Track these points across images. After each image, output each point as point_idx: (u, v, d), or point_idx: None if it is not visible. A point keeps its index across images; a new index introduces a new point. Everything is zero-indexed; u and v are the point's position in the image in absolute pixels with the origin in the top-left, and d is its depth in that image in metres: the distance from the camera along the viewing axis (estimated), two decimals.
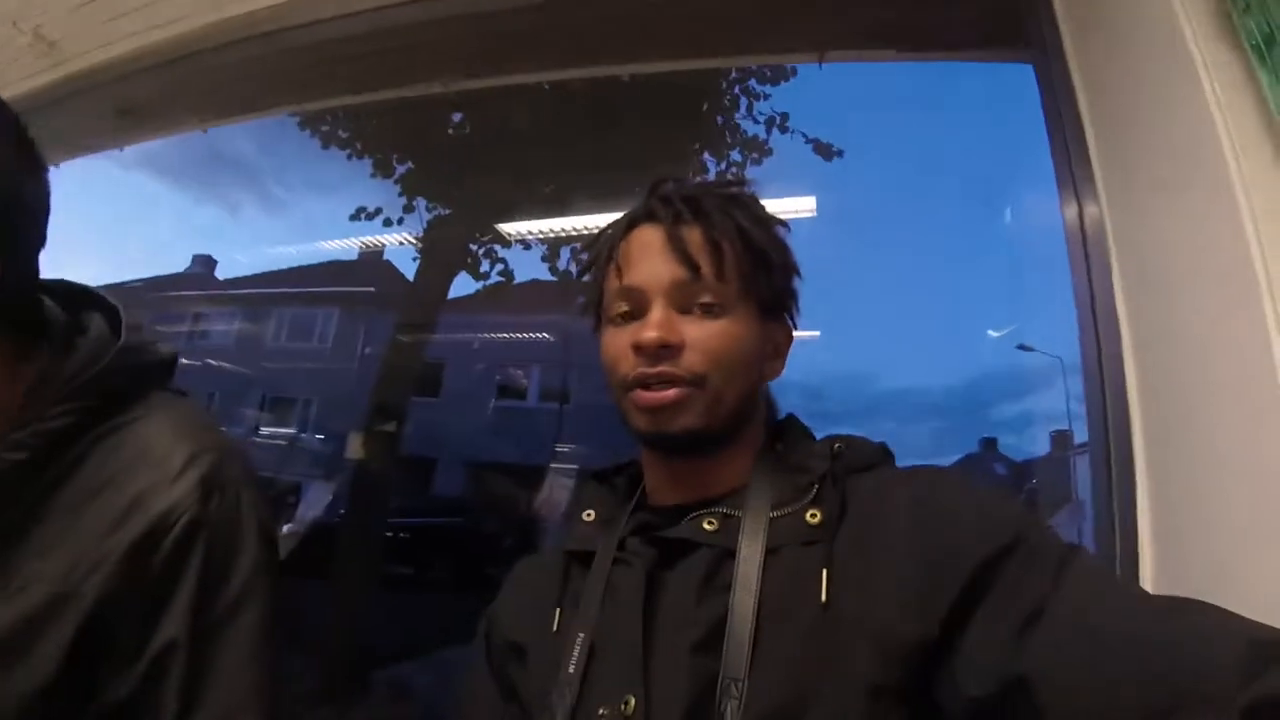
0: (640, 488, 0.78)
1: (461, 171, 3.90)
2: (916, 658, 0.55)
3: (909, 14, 1.47)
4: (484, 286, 4.46)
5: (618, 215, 0.77)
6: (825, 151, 3.68)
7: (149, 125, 2.35)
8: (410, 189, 4.26)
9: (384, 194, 4.32)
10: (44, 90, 2.09)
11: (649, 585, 0.65)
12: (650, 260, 0.70)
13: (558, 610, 0.71)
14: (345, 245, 5.40)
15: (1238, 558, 0.74)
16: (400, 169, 4.24)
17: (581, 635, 0.66)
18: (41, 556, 0.62)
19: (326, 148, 4.07)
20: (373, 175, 4.21)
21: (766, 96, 3.73)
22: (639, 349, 0.67)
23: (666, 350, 0.67)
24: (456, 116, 3.47)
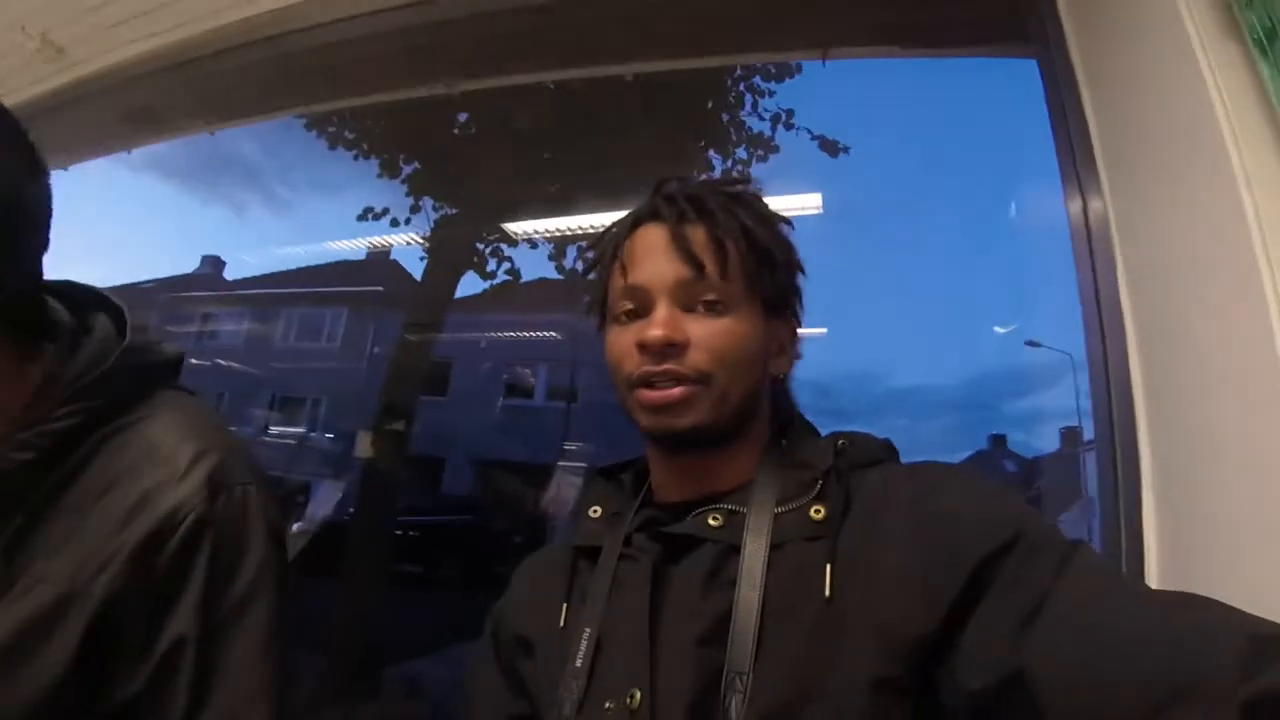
0: (646, 484, 0.78)
1: (468, 171, 3.91)
2: (919, 653, 0.55)
3: (912, 10, 1.47)
4: (491, 286, 4.48)
5: (623, 213, 0.78)
6: (831, 148, 3.67)
7: (157, 128, 2.37)
8: (417, 189, 4.28)
9: (391, 194, 4.34)
10: (53, 95, 2.10)
11: (655, 580, 0.66)
12: (654, 259, 0.70)
13: (565, 605, 0.72)
14: (353, 245, 5.43)
15: (1242, 553, 0.74)
16: (407, 169, 4.26)
17: (588, 630, 0.67)
18: (49, 556, 0.62)
19: (333, 149, 4.09)
20: (379, 176, 4.23)
21: (771, 94, 3.73)
22: (644, 348, 0.68)
23: (671, 349, 0.67)
24: (462, 116, 3.47)
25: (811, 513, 0.64)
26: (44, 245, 0.69)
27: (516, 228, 4.14)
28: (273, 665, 0.66)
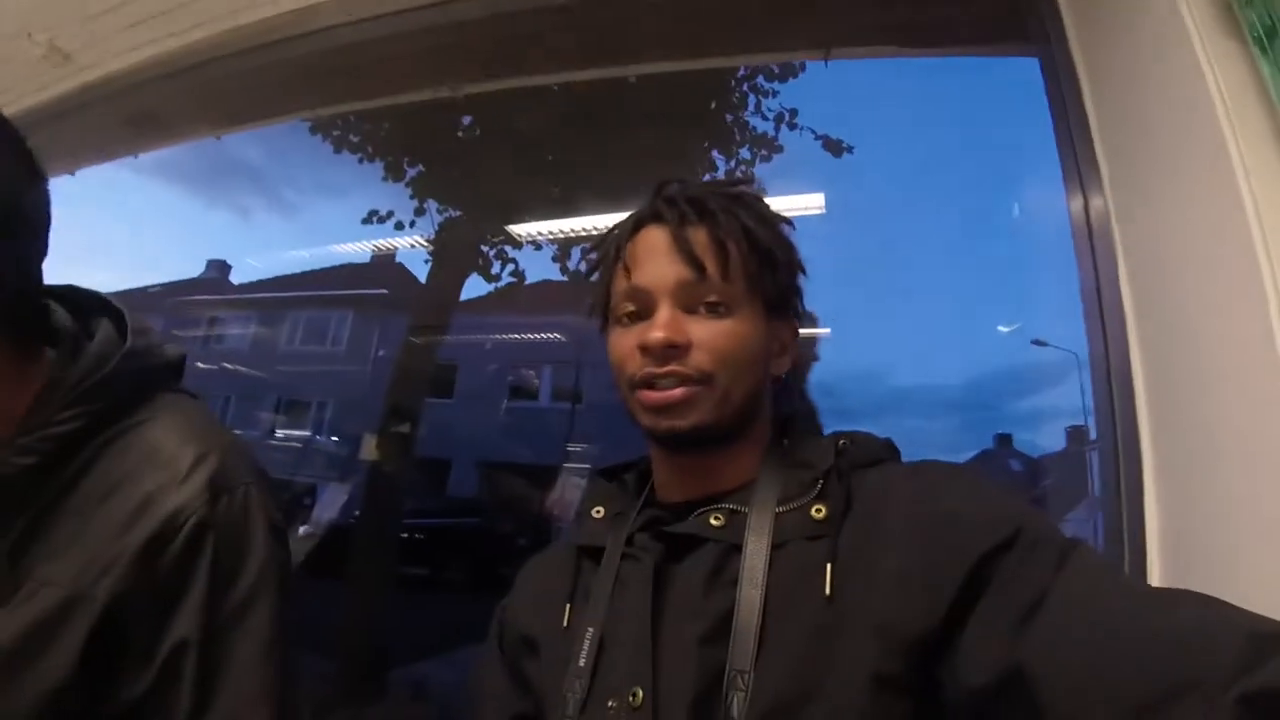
0: (649, 485, 0.79)
1: (472, 174, 3.92)
2: (919, 650, 0.55)
3: (913, 10, 1.48)
4: (496, 288, 4.48)
5: (627, 214, 0.78)
6: (835, 147, 3.66)
7: (163, 133, 2.39)
8: (421, 192, 4.29)
9: (395, 197, 4.35)
10: (59, 100, 2.12)
11: (657, 579, 0.66)
12: (656, 261, 0.71)
13: (568, 605, 0.72)
14: (358, 249, 5.44)
15: (1244, 551, 0.74)
16: (411, 172, 4.27)
17: (591, 629, 0.68)
18: (53, 560, 0.63)
19: (338, 152, 4.10)
20: (384, 179, 4.23)
21: (775, 93, 3.72)
22: (646, 349, 0.68)
23: (673, 350, 0.67)
24: (466, 119, 3.48)
25: (813, 512, 0.65)
26: (43, 251, 0.69)
27: (521, 230, 4.14)
28: (275, 667, 0.67)
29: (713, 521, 0.67)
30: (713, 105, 3.65)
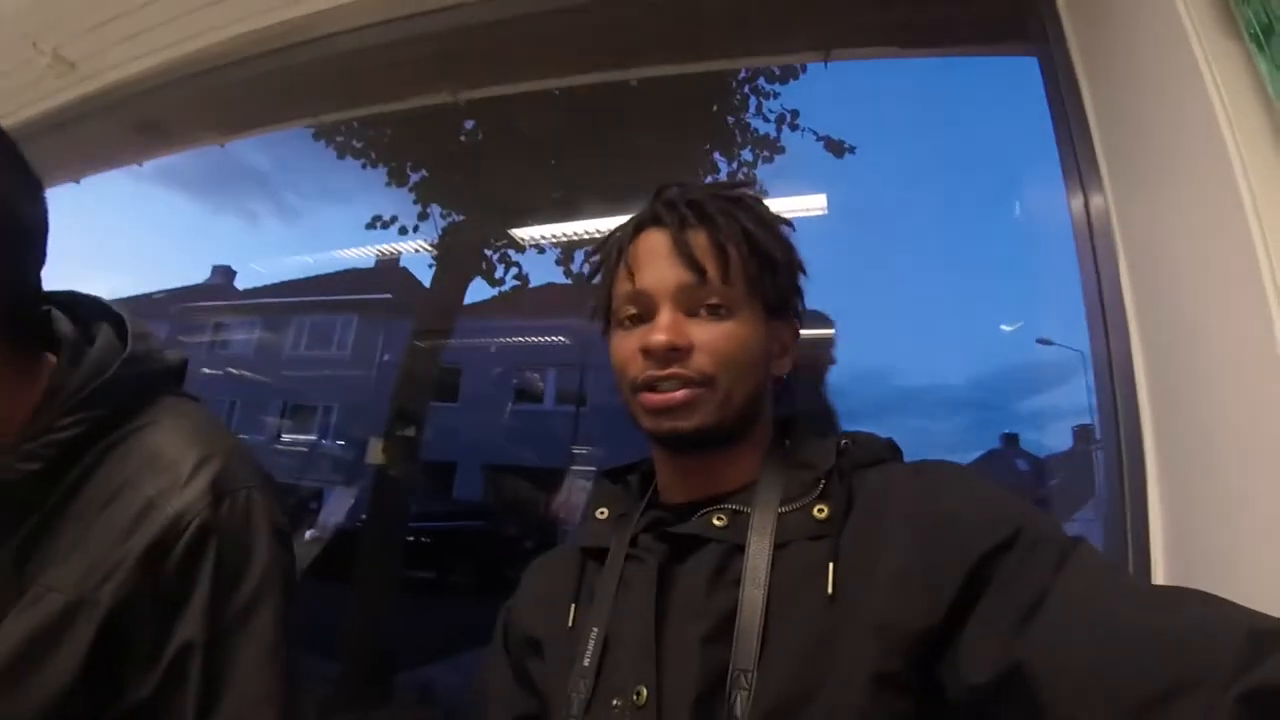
0: (652, 486, 0.79)
1: (475, 178, 3.93)
2: (920, 649, 0.55)
3: (913, 10, 1.48)
4: (500, 291, 4.49)
5: (629, 217, 0.79)
6: (836, 148, 3.66)
7: (167, 141, 2.40)
8: (425, 196, 4.30)
9: (399, 202, 4.37)
10: (64, 109, 2.13)
11: (661, 580, 0.67)
12: (657, 264, 0.71)
13: (573, 606, 0.73)
14: (362, 253, 5.46)
15: (1247, 550, 0.74)
16: (414, 177, 4.28)
17: (595, 629, 0.68)
18: (56, 565, 0.63)
19: (342, 157, 4.11)
20: (387, 184, 4.25)
21: (776, 95, 3.73)
22: (648, 352, 0.68)
23: (675, 353, 0.68)
24: (469, 124, 3.49)
25: (815, 512, 0.65)
26: (42, 258, 0.70)
27: (524, 233, 4.15)
28: (280, 669, 0.67)
29: (715, 522, 0.68)
30: (714, 107, 3.66)
